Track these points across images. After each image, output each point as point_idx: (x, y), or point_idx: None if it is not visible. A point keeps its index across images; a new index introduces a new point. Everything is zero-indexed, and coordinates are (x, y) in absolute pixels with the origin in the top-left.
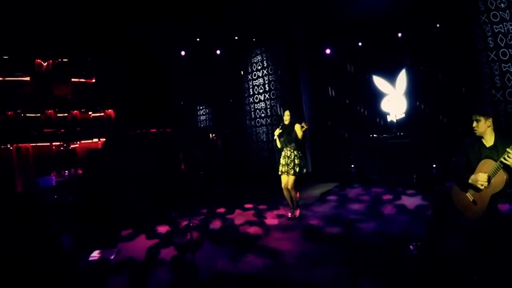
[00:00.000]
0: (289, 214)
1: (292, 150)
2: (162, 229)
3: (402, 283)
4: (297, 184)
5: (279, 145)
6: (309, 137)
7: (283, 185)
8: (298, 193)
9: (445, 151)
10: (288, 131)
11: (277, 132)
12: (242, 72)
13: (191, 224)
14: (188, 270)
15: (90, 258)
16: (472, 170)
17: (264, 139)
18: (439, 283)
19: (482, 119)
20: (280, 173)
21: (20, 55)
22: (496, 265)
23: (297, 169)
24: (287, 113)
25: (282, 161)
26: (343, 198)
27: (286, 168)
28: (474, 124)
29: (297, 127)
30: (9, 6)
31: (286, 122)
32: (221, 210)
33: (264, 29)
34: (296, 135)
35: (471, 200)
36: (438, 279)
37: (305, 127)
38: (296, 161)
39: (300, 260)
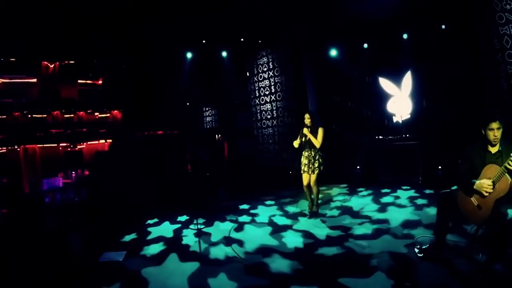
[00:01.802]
0: (308, 209)
1: (316, 151)
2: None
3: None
4: (319, 182)
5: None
6: None
7: (304, 183)
8: (319, 190)
9: (451, 153)
10: (312, 133)
11: (306, 131)
12: (248, 74)
13: (196, 226)
14: None
15: (100, 260)
16: (476, 175)
17: (270, 141)
18: (444, 284)
19: (501, 126)
20: (302, 172)
21: (27, 57)
22: (500, 267)
23: (321, 168)
24: (307, 116)
25: (305, 160)
26: (348, 199)
27: (308, 167)
28: (497, 133)
29: (320, 131)
30: (15, 8)
31: (308, 125)
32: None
33: (269, 30)
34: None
35: (476, 204)
36: (443, 280)
37: None
38: (321, 160)
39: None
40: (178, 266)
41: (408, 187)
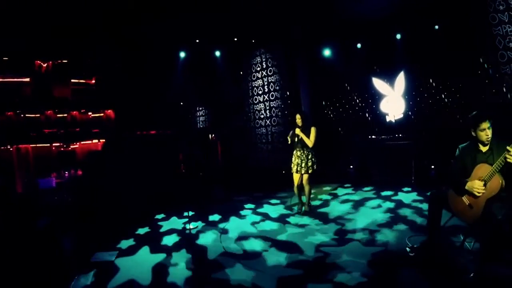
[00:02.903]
0: (298, 209)
1: (308, 151)
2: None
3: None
4: (311, 181)
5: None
6: None
7: (295, 183)
8: (311, 189)
9: (443, 152)
10: (304, 133)
11: (298, 131)
12: (241, 73)
13: (188, 227)
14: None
15: (92, 260)
16: (467, 175)
17: (264, 140)
18: (435, 283)
19: (491, 125)
20: (295, 172)
21: (20, 56)
22: (492, 267)
23: (314, 167)
24: (298, 116)
25: (297, 160)
26: (340, 199)
27: (301, 166)
28: (489, 132)
29: (313, 130)
30: (8, 7)
31: (299, 125)
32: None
33: (263, 30)
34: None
35: (467, 204)
36: (435, 279)
37: None
38: (314, 159)
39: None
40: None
41: (409, 189)
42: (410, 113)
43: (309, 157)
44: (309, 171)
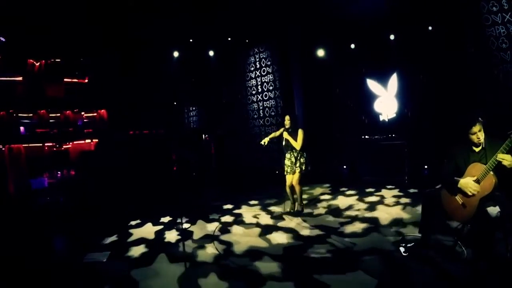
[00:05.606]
0: (289, 209)
1: (297, 153)
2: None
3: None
4: (301, 181)
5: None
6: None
7: (287, 183)
8: (301, 189)
9: (436, 152)
10: (292, 135)
11: (286, 134)
12: (235, 74)
13: (182, 226)
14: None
15: (84, 260)
16: (460, 174)
17: (257, 141)
18: (429, 282)
19: (482, 127)
20: (285, 173)
21: (12, 55)
22: (484, 266)
23: (303, 167)
24: (287, 118)
25: (287, 162)
26: (334, 199)
27: (291, 168)
28: (480, 135)
29: (300, 133)
30: (0, 5)
31: (287, 127)
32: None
33: (257, 30)
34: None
35: (460, 203)
36: (428, 279)
37: None
38: (302, 160)
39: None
40: None
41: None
42: (403, 113)
43: (298, 158)
44: (297, 171)
